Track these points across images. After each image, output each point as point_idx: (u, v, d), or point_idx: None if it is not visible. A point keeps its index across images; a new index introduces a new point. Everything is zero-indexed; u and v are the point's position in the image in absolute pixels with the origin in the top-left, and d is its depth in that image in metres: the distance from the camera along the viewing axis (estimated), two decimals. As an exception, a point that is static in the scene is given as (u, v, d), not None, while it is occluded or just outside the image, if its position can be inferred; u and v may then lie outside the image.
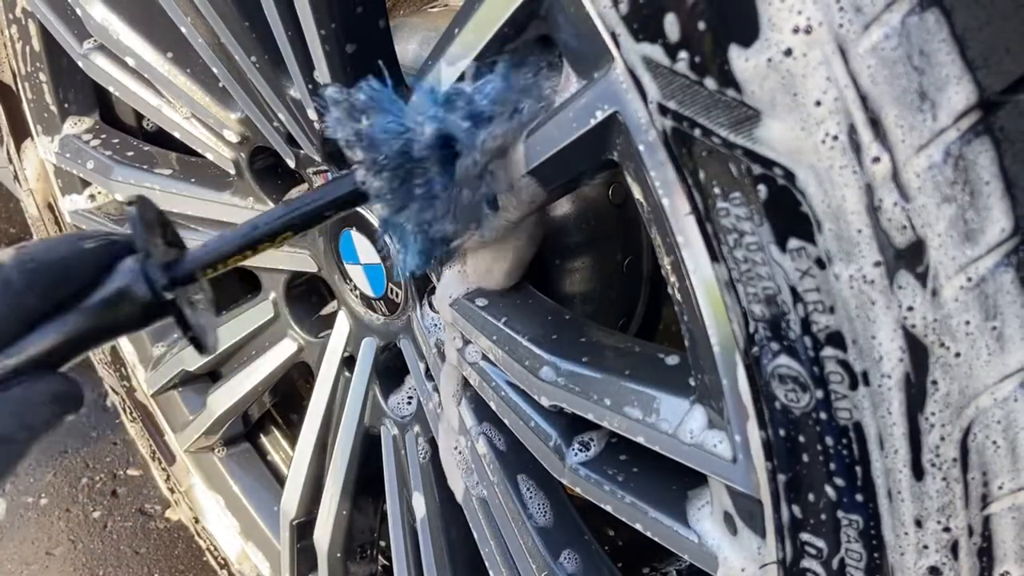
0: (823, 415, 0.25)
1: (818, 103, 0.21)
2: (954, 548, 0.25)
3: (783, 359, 0.25)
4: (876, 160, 0.21)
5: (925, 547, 0.25)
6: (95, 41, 0.57)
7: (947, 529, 0.24)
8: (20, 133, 0.68)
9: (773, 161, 0.23)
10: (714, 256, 0.26)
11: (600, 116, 0.27)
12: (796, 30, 0.21)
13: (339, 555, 0.61)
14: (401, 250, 0.30)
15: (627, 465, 0.36)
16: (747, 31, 0.22)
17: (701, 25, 0.22)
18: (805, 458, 0.26)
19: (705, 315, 0.27)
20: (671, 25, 0.23)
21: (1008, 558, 0.25)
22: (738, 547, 0.31)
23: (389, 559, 0.56)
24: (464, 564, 0.50)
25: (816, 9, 0.21)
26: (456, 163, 0.28)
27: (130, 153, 0.63)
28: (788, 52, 0.21)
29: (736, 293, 0.25)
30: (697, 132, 0.24)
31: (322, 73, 0.39)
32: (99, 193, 0.68)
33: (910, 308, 0.23)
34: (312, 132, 0.45)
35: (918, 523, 0.25)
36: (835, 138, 0.22)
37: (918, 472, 0.24)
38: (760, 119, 0.23)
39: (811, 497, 0.27)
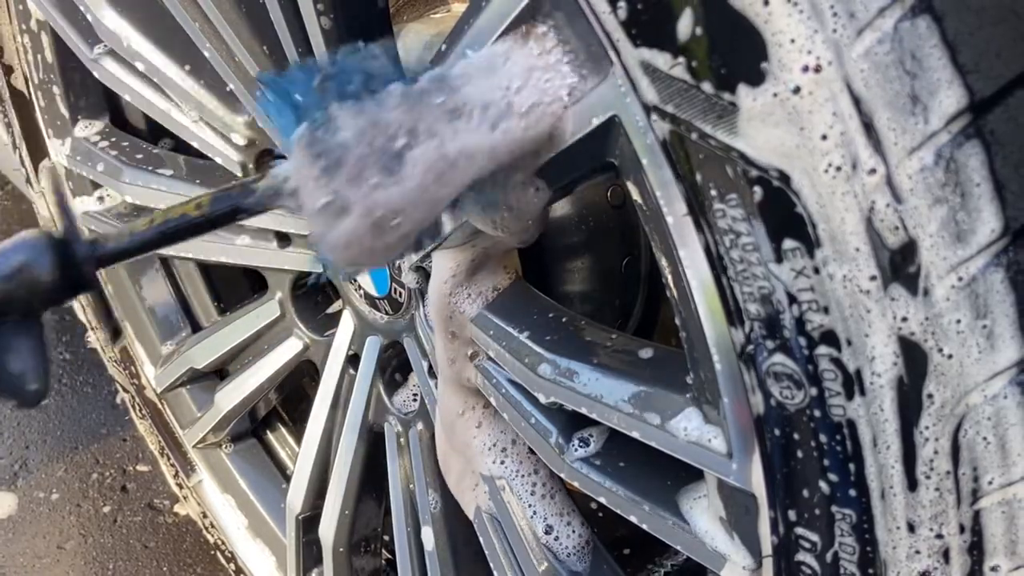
0: (817, 412, 0.26)
1: (824, 137, 0.22)
2: (946, 554, 0.25)
3: (778, 357, 0.26)
4: (872, 172, 0.22)
5: (917, 552, 0.25)
6: (105, 46, 0.58)
7: (939, 536, 0.25)
8: (37, 151, 0.69)
9: (769, 164, 0.23)
10: (710, 256, 0.26)
11: (599, 120, 0.28)
12: (806, 69, 0.21)
13: (343, 550, 0.62)
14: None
15: (625, 460, 0.36)
16: (755, 71, 0.22)
17: (710, 62, 0.23)
18: (799, 454, 0.27)
19: (701, 314, 0.27)
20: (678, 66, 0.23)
21: (998, 552, 0.25)
22: (734, 541, 0.31)
23: (393, 553, 0.57)
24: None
25: (826, 48, 0.21)
26: None
27: (139, 155, 0.64)
28: (796, 90, 0.22)
29: (732, 292, 0.26)
30: (694, 135, 0.25)
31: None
32: (108, 195, 0.70)
33: (904, 318, 0.23)
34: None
35: (911, 526, 0.25)
36: (838, 169, 0.22)
37: (912, 483, 0.24)
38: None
39: (805, 492, 0.27)
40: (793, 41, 0.21)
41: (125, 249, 0.26)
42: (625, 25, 0.25)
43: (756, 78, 0.22)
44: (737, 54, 0.22)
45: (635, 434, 0.33)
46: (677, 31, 0.23)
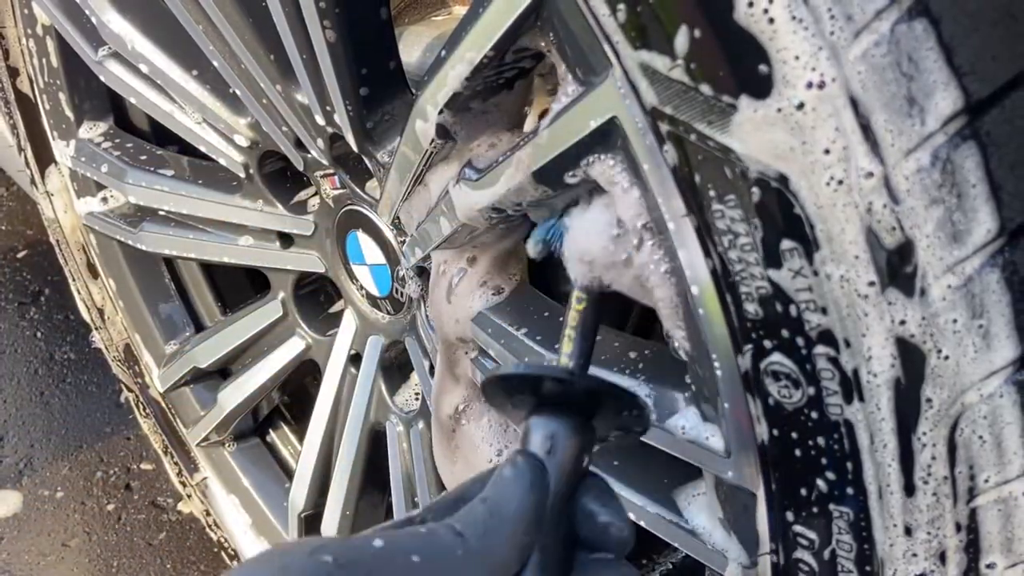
0: (815, 411, 0.26)
1: (827, 151, 0.22)
2: (942, 555, 0.25)
3: (776, 356, 0.26)
4: (869, 174, 0.22)
5: (914, 555, 0.25)
6: (109, 49, 0.58)
7: (936, 539, 0.25)
8: (43, 157, 0.69)
9: (768, 166, 0.23)
10: (709, 256, 0.26)
11: (598, 121, 0.28)
12: (810, 85, 0.21)
13: (347, 548, 0.62)
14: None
15: (623, 458, 0.37)
16: (760, 86, 0.22)
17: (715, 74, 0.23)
18: (797, 453, 0.27)
19: (700, 313, 0.28)
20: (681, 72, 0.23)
21: (994, 549, 0.26)
22: (731, 538, 0.31)
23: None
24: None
25: (829, 65, 0.21)
26: None
27: (143, 157, 0.65)
28: (800, 106, 0.22)
29: (731, 292, 0.26)
30: (693, 137, 0.25)
31: (340, 115, 0.41)
32: (112, 196, 0.70)
33: (902, 320, 0.23)
34: (321, 136, 0.46)
35: (908, 529, 0.25)
36: (840, 182, 0.22)
37: (910, 487, 0.25)
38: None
39: (803, 491, 0.27)
40: (797, 58, 0.22)
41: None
42: (624, 28, 0.25)
43: (760, 93, 0.22)
44: (741, 69, 0.23)
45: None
46: (675, 41, 0.23)
